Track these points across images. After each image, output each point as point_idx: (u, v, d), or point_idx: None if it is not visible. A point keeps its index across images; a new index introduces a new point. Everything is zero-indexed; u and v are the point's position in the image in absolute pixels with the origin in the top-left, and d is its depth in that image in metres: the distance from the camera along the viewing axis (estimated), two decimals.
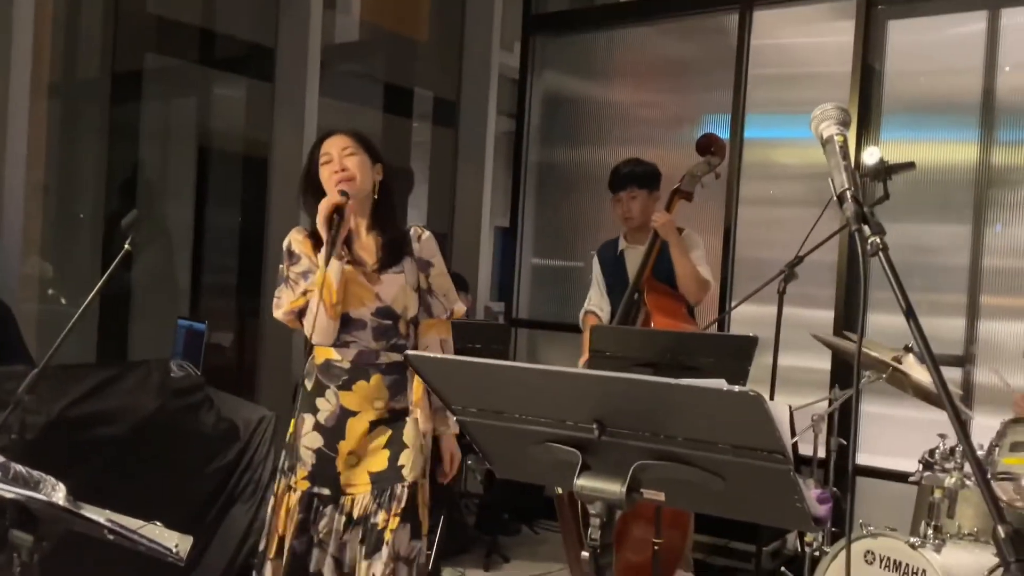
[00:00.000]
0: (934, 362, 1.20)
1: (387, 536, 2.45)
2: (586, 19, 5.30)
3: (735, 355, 2.76)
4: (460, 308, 2.70)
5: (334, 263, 2.46)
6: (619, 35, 5.15)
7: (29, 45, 3.71)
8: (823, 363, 4.20)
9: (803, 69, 4.60)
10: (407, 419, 2.56)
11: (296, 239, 2.60)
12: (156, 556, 1.73)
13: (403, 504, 2.48)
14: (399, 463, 2.52)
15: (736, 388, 1.10)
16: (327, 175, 2.53)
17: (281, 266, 2.59)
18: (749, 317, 3.94)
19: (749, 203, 4.64)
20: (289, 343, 4.59)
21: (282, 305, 2.56)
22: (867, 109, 4.31)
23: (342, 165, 2.52)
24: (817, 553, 3.15)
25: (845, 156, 1.29)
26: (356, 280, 2.53)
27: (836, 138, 1.32)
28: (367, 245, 2.59)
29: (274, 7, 4.66)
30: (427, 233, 2.67)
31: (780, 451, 1.16)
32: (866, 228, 1.25)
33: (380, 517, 2.47)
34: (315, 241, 2.54)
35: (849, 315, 4.29)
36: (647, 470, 1.29)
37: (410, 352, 1.55)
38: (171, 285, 5.41)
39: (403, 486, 2.50)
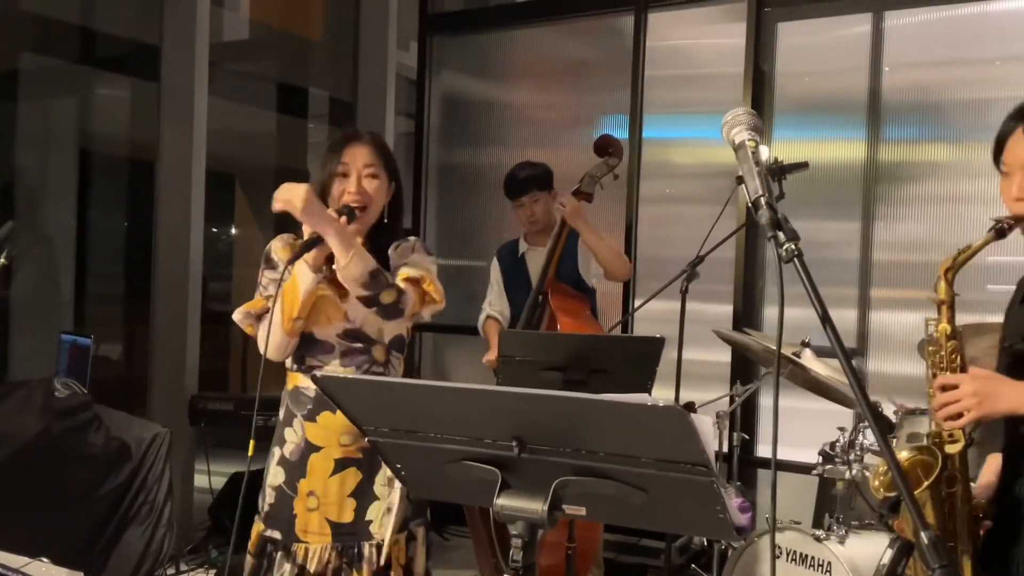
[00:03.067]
0: (851, 367, 1.20)
1: None
2: (483, 19, 5.27)
3: (643, 356, 2.76)
4: (408, 273, 2.24)
5: (305, 270, 2.15)
6: (516, 35, 5.13)
7: None
8: (723, 356, 4.28)
9: (697, 70, 4.67)
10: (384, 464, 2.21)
11: (277, 246, 2.30)
12: None
13: (374, 567, 2.19)
14: (367, 517, 2.23)
15: (661, 403, 1.08)
16: (338, 191, 2.23)
17: (260, 271, 2.32)
18: (652, 314, 3.95)
19: (648, 202, 4.69)
20: (183, 354, 4.41)
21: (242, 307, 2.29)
22: (759, 109, 4.39)
23: (359, 187, 2.23)
24: (725, 548, 3.20)
25: (758, 162, 1.29)
26: (326, 296, 2.23)
27: (748, 143, 1.31)
28: None
29: (158, 4, 4.47)
30: (411, 241, 2.33)
31: (704, 463, 1.14)
32: (781, 235, 1.25)
33: None
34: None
35: (747, 310, 4.38)
36: (568, 486, 1.25)
37: (317, 372, 1.45)
38: (54, 296, 5.15)
39: (371, 545, 2.21)
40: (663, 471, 1.18)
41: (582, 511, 1.31)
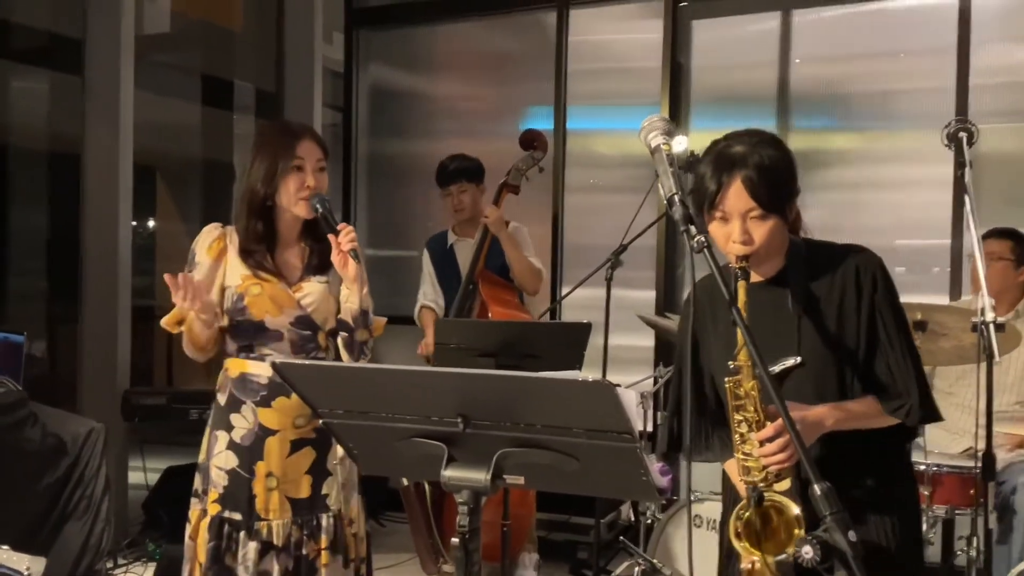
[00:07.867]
0: (754, 342, 1.36)
1: (320, 569, 2.36)
2: (409, 13, 5.35)
3: (571, 341, 2.92)
4: (380, 322, 2.49)
5: (189, 315, 2.26)
6: (442, 29, 5.25)
7: None
8: (647, 341, 4.47)
9: (617, 64, 4.85)
10: (335, 441, 2.28)
11: (206, 241, 2.40)
12: None
13: (332, 536, 2.38)
14: (323, 492, 2.40)
15: (591, 378, 1.22)
16: (294, 186, 2.34)
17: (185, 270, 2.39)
18: (578, 300, 4.12)
19: (573, 191, 4.86)
20: (114, 350, 4.39)
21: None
22: (676, 101, 4.61)
23: (316, 181, 2.36)
24: (650, 521, 3.38)
25: (672, 163, 1.44)
26: (277, 288, 2.37)
27: (663, 147, 1.46)
28: (296, 252, 2.44)
29: None
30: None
31: (629, 431, 1.28)
32: (692, 228, 1.40)
33: (310, 547, 2.37)
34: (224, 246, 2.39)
35: (669, 295, 4.58)
36: (509, 457, 1.39)
37: (276, 360, 1.55)
38: None
39: (328, 516, 2.39)
40: (593, 440, 1.32)
41: (521, 480, 1.45)
